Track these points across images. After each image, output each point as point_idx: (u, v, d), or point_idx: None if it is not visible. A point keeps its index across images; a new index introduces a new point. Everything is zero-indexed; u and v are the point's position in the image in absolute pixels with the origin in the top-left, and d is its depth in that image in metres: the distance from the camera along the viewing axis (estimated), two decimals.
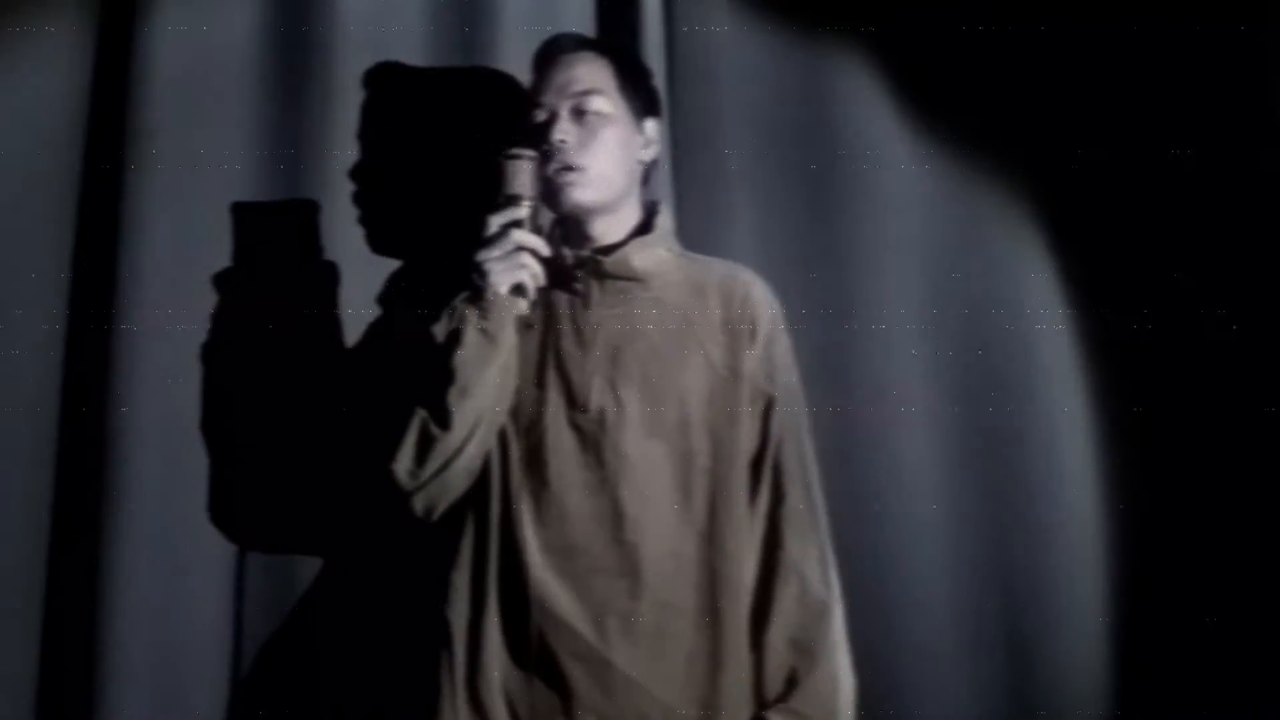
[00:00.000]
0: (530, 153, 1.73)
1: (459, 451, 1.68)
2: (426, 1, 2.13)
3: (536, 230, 1.72)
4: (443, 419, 1.66)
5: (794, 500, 1.77)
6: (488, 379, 1.68)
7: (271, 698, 1.95)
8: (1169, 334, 2.13)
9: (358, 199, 2.04)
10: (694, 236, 2.02)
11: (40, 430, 1.99)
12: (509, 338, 1.70)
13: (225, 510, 1.98)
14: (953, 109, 2.22)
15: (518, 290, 1.70)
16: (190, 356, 1.98)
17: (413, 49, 2.10)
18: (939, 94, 2.22)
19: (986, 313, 2.17)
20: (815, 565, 1.76)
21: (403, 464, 1.68)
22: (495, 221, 1.70)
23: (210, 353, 1.99)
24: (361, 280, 2.02)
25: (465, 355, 1.67)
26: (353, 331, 2.02)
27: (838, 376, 2.10)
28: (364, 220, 2.04)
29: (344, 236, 2.04)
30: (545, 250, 1.72)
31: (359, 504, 1.88)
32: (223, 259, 2.02)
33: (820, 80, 2.21)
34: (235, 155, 2.03)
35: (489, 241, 1.70)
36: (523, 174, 1.71)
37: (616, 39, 2.09)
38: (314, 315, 2.00)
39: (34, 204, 2.01)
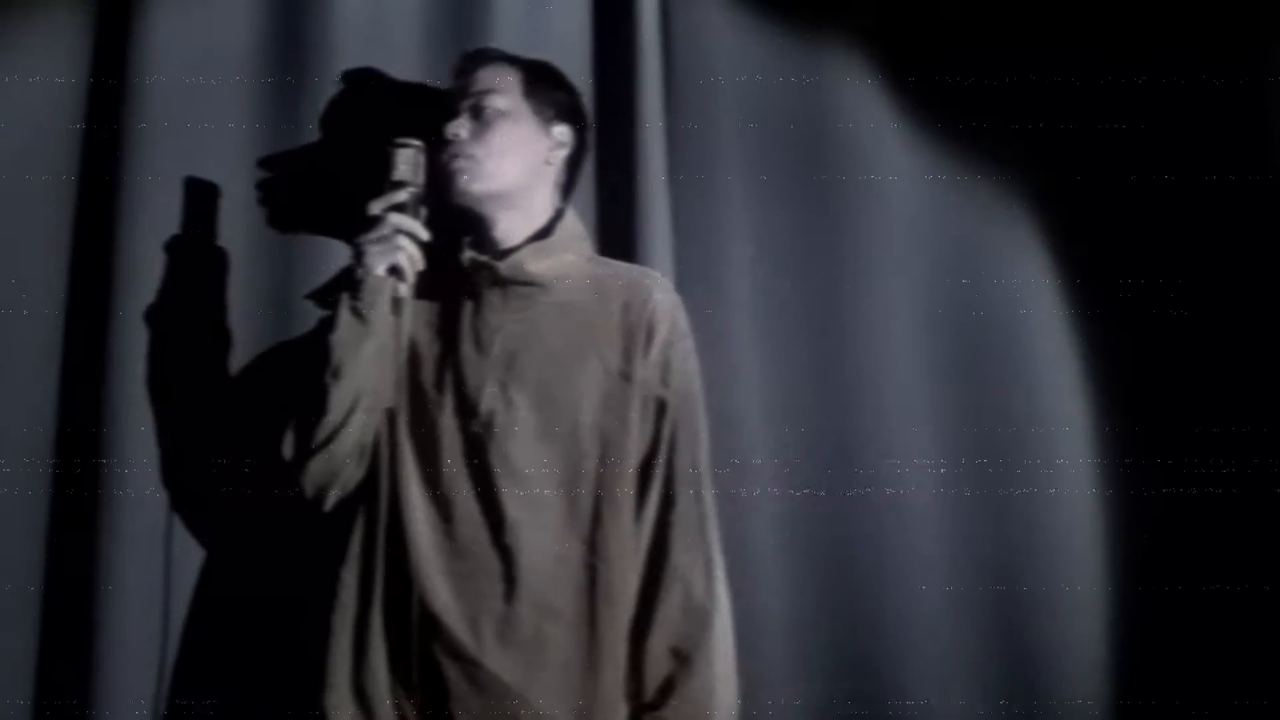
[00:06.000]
0: (415, 141, 1.76)
1: (337, 431, 1.68)
2: (421, 4, 2.15)
3: (418, 216, 1.74)
4: (318, 399, 1.67)
5: (683, 506, 1.75)
6: (361, 358, 1.69)
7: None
8: (1168, 333, 2.14)
9: (355, 197, 2.01)
10: (691, 238, 2.03)
11: (37, 427, 1.98)
12: (382, 317, 1.71)
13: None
14: (951, 110, 2.22)
15: (394, 272, 1.71)
16: (189, 352, 1.98)
17: (408, 50, 2.11)
18: (937, 95, 2.22)
19: (986, 315, 2.17)
20: (700, 573, 1.73)
21: (286, 446, 1.70)
22: (375, 206, 1.73)
23: (210, 348, 1.99)
24: None
25: (338, 335, 1.69)
26: None
27: (835, 379, 2.10)
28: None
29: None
30: (424, 234, 1.74)
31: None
32: (221, 255, 2.02)
33: (817, 82, 2.21)
34: (232, 154, 2.04)
35: (369, 225, 1.72)
36: (405, 161, 1.75)
37: (613, 45, 2.14)
38: (312, 311, 1.98)
39: (31, 202, 2.01)
